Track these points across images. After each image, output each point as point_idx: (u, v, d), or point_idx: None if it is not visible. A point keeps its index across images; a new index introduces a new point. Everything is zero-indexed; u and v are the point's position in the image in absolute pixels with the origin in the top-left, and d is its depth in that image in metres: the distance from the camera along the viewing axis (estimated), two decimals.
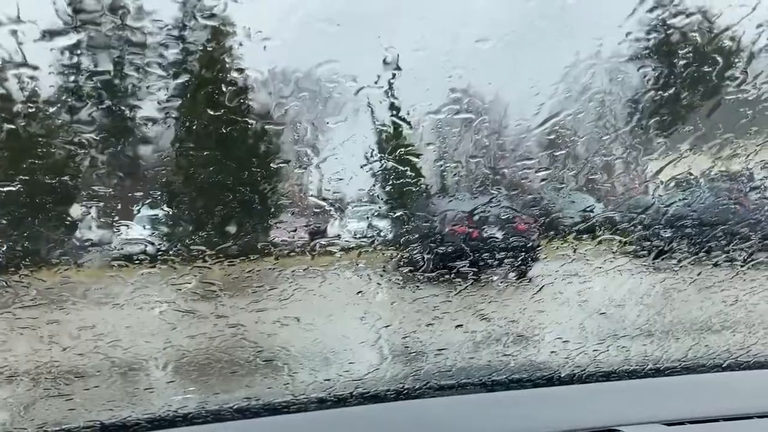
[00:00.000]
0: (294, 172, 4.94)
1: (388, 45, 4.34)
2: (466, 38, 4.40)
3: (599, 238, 4.75)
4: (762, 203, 4.79)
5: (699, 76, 4.82)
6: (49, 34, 4.11)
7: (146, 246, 4.72)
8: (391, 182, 4.80)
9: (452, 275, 4.59)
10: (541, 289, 4.44)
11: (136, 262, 4.59)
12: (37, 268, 4.35)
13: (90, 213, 4.85)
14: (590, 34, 4.41)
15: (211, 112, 4.64)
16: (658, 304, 4.38)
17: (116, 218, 4.92)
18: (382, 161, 4.76)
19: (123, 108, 4.74)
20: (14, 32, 3.88)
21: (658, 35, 4.73)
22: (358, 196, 5.09)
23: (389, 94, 4.47)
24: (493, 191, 4.93)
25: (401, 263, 4.80)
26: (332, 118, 4.75)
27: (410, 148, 4.78)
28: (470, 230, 5.05)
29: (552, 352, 4.08)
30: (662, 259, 4.64)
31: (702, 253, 4.64)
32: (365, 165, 4.76)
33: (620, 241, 4.68)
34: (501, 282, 4.59)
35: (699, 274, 4.47)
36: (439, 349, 4.10)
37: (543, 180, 4.93)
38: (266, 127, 4.88)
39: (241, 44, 4.55)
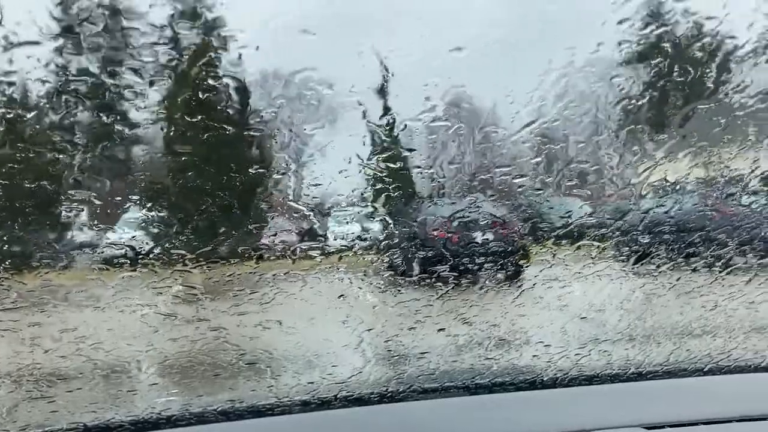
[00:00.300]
0: (274, 176, 4.95)
1: (373, 51, 4.38)
2: (450, 45, 4.44)
3: (578, 244, 4.79)
4: (738, 210, 4.84)
5: (674, 84, 4.87)
6: (32, 37, 4.11)
7: (127, 250, 4.73)
8: (371, 187, 4.82)
9: (434, 279, 4.63)
10: (521, 293, 4.48)
11: (118, 265, 4.60)
12: (18, 271, 4.36)
13: (71, 216, 4.84)
14: (569, 41, 4.45)
15: (189, 118, 4.65)
16: (639, 308, 4.42)
17: (98, 222, 4.92)
18: (361, 166, 4.78)
19: (103, 112, 4.74)
20: None
21: (636, 44, 4.77)
22: (339, 200, 5.11)
23: (379, 98, 4.51)
24: (472, 196, 4.96)
25: (383, 267, 4.82)
26: (311, 124, 4.77)
27: (390, 153, 4.80)
28: (451, 235, 5.08)
29: (534, 355, 4.11)
30: (641, 265, 4.69)
31: (680, 258, 4.69)
32: (343, 171, 4.78)
33: (599, 247, 4.72)
34: (482, 286, 4.62)
35: (678, 280, 4.52)
36: (421, 353, 4.12)
37: (521, 186, 4.97)
38: (246, 132, 4.89)
39: (223, 49, 4.57)
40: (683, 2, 4.67)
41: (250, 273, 4.61)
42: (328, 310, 4.53)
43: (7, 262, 4.31)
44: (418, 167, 5.12)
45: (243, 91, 4.66)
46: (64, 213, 4.77)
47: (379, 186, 4.80)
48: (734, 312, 4.25)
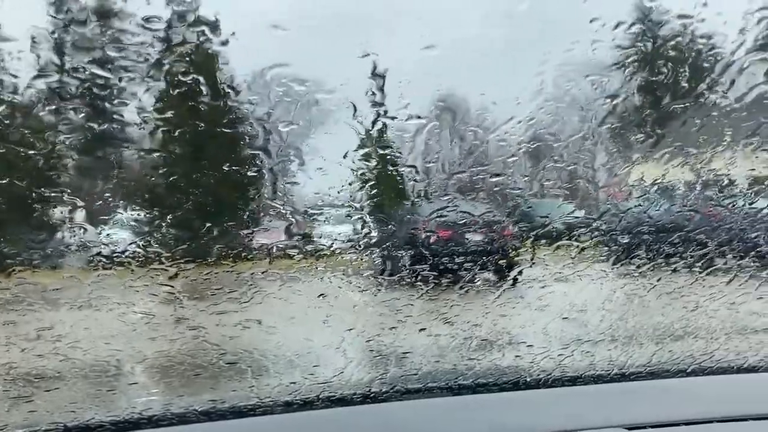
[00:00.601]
0: (257, 177, 4.93)
1: (359, 50, 4.38)
2: (439, 45, 4.44)
3: (557, 244, 4.81)
4: (716, 211, 4.88)
5: (653, 86, 4.90)
6: (20, 36, 4.10)
7: (103, 249, 4.70)
8: (355, 187, 4.82)
9: (415, 279, 4.64)
10: (502, 293, 4.49)
11: (94, 264, 4.57)
12: None
13: (47, 215, 4.81)
14: (557, 43, 4.47)
15: (170, 117, 4.64)
16: (620, 309, 4.44)
17: (74, 221, 4.89)
18: (346, 166, 4.78)
19: (80, 110, 4.72)
20: None
21: (620, 47, 4.80)
22: (323, 200, 5.10)
23: (363, 98, 4.50)
24: (450, 196, 4.97)
25: (364, 267, 4.83)
26: (295, 124, 4.76)
27: (372, 152, 4.80)
28: (430, 235, 5.09)
29: (517, 356, 4.12)
30: (621, 265, 4.71)
31: (660, 259, 4.72)
32: (326, 170, 4.78)
33: (578, 247, 4.74)
34: (462, 286, 4.62)
35: (659, 280, 4.54)
36: (403, 353, 4.12)
37: (497, 186, 4.98)
38: (228, 131, 4.86)
39: (206, 49, 4.56)
40: (667, 5, 4.71)
41: (227, 272, 4.61)
42: (307, 310, 4.53)
43: None
44: (401, 167, 5.13)
45: (226, 90, 4.64)
46: (38, 212, 4.74)
47: (363, 186, 4.80)
48: (715, 313, 4.27)
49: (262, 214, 5.20)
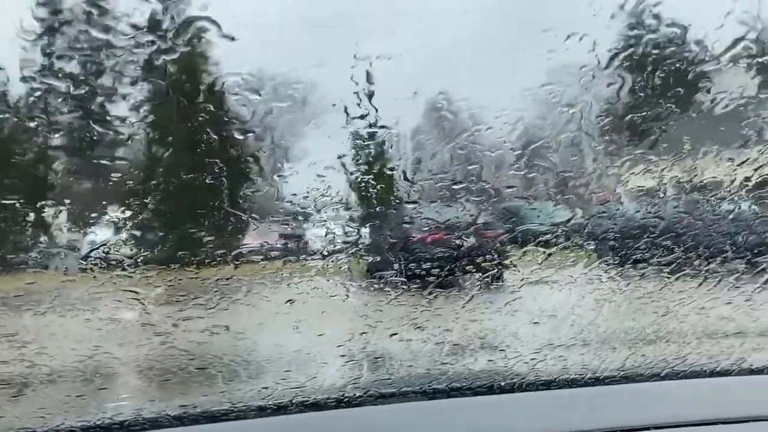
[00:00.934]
0: (248, 180, 4.93)
1: (354, 54, 4.39)
2: (433, 47, 4.47)
3: (524, 249, 4.84)
4: (681, 217, 4.93)
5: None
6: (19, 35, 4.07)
7: (67, 254, 4.67)
8: (343, 192, 4.84)
9: (384, 285, 4.65)
10: (471, 298, 4.51)
11: (57, 270, 4.55)
12: None
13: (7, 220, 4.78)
14: (548, 46, 4.49)
15: (164, 120, 4.64)
16: (590, 314, 4.47)
17: (37, 225, 4.86)
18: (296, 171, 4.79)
19: (70, 112, 4.70)
20: None
21: (616, 50, 4.84)
22: (313, 204, 5.09)
23: (357, 101, 4.51)
24: (419, 201, 4.98)
25: (331, 273, 4.82)
26: (288, 127, 4.77)
27: (363, 157, 4.82)
28: (401, 240, 5.10)
29: (489, 360, 4.14)
30: (590, 270, 4.75)
31: (629, 264, 4.77)
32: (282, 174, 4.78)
33: (545, 252, 4.77)
34: (432, 292, 4.64)
35: (628, 285, 4.59)
36: (375, 358, 4.13)
37: (458, 193, 5.00)
38: (222, 134, 4.84)
39: (203, 51, 4.55)
40: (662, 10, 4.76)
41: (192, 278, 4.59)
42: (276, 315, 4.52)
43: None
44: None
45: (221, 93, 4.63)
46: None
47: (352, 190, 4.81)
48: (686, 318, 4.32)
49: (231, 219, 5.18)
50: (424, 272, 4.90)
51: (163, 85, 4.52)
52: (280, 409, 3.55)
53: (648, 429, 3.23)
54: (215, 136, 4.72)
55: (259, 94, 4.55)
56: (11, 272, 4.69)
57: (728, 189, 4.75)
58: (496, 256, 5.03)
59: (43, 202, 4.83)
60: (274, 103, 4.79)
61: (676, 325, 4.32)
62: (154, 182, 4.86)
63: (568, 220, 4.86)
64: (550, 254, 4.76)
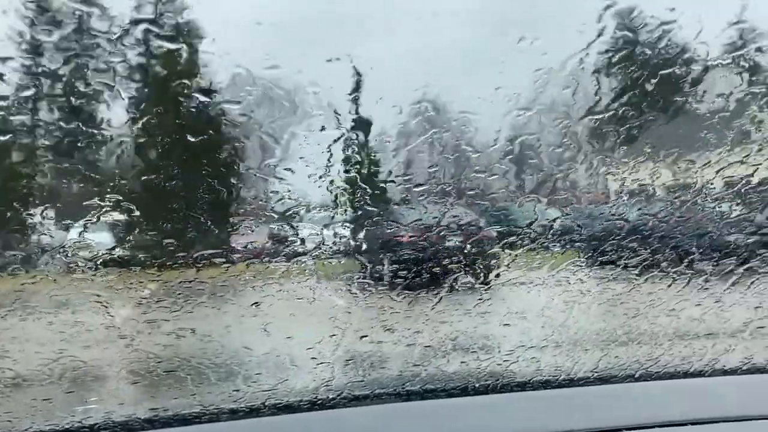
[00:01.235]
0: (237, 182, 4.90)
1: (345, 55, 4.39)
2: (424, 49, 4.47)
3: (492, 251, 4.86)
4: (646, 219, 4.97)
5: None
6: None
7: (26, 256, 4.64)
8: (328, 193, 4.83)
9: (353, 286, 4.65)
10: (440, 300, 4.51)
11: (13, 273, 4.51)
12: None
13: None
14: (541, 48, 4.50)
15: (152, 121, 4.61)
16: (560, 316, 4.49)
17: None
18: (326, 172, 4.78)
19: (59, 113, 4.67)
20: None
21: (607, 53, 4.87)
22: (300, 206, 5.07)
23: (348, 103, 4.51)
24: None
25: (295, 275, 4.81)
26: (278, 128, 4.75)
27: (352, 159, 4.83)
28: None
29: (462, 362, 4.15)
30: (558, 272, 4.77)
31: (597, 266, 4.80)
32: (312, 176, 4.77)
33: (510, 254, 4.79)
34: (401, 293, 4.64)
35: (596, 286, 4.62)
36: (347, 360, 4.12)
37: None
38: (211, 135, 4.81)
39: (192, 52, 4.52)
40: (655, 13, 4.80)
41: (155, 281, 4.57)
42: (242, 318, 4.51)
43: None
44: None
45: (209, 93, 4.60)
46: None
47: (339, 192, 4.81)
48: (656, 319, 4.36)
49: (192, 222, 5.15)
50: (393, 274, 4.92)
51: (146, 87, 4.52)
52: (253, 412, 3.54)
53: (622, 430, 3.25)
54: (193, 139, 4.71)
55: (244, 97, 4.55)
56: None
57: (694, 191, 4.80)
58: (463, 258, 5.04)
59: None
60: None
61: (647, 327, 4.36)
62: (114, 184, 4.83)
63: (530, 224, 4.90)
64: (517, 256, 4.80)
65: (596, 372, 3.84)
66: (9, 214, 4.87)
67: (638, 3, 4.86)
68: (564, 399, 3.72)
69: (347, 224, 5.10)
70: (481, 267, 4.98)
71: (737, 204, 4.90)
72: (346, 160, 4.91)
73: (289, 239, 4.91)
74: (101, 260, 4.47)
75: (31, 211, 4.91)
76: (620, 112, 4.78)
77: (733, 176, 4.70)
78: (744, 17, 4.66)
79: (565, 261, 4.80)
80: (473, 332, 4.42)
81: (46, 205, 4.99)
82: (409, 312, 4.50)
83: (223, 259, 4.80)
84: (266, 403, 3.54)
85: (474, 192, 5.02)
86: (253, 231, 5.17)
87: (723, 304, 4.35)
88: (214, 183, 4.86)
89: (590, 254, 4.90)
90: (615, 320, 4.47)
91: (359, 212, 5.00)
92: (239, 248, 5.18)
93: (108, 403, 3.84)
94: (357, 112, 4.63)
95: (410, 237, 5.15)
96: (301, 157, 4.71)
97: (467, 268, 4.98)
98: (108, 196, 4.63)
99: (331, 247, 5.02)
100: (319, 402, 3.59)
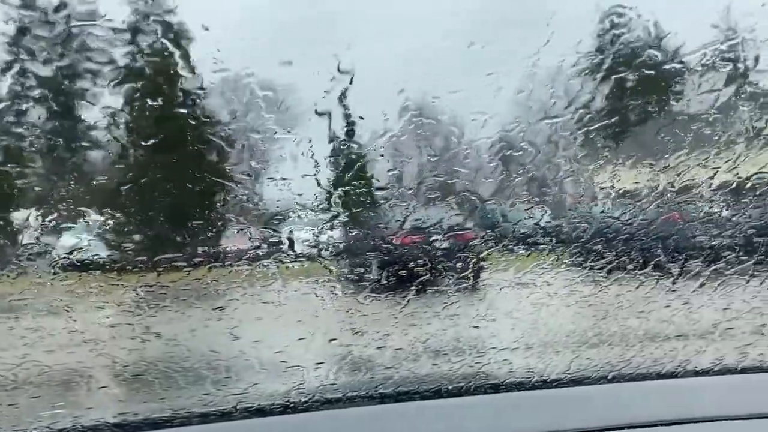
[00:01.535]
0: (223, 184, 4.87)
1: (334, 57, 4.37)
2: (414, 51, 4.47)
3: (458, 254, 4.87)
4: (609, 222, 5.00)
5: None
6: None
7: None
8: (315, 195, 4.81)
9: (317, 290, 4.64)
10: (408, 302, 4.51)
11: None
12: None
13: None
14: (530, 50, 4.52)
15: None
16: (529, 318, 4.51)
17: None
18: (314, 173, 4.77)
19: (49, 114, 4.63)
20: None
21: (588, 54, 4.89)
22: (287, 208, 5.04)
23: (338, 105, 4.50)
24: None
25: (258, 279, 4.78)
26: (267, 130, 4.72)
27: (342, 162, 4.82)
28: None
29: (434, 364, 4.15)
30: (523, 274, 4.78)
31: (563, 268, 4.83)
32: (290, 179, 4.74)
33: (478, 257, 4.81)
34: (368, 296, 4.63)
35: (565, 287, 4.64)
36: (317, 363, 4.10)
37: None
38: (200, 137, 4.77)
39: (182, 53, 4.48)
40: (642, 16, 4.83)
41: (112, 284, 4.53)
42: (207, 322, 4.47)
43: None
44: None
45: (198, 95, 4.56)
46: None
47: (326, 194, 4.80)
48: (626, 321, 4.40)
49: (148, 225, 5.11)
50: (358, 277, 4.91)
51: (134, 87, 4.49)
52: (224, 416, 3.52)
53: None
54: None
55: (229, 99, 4.53)
56: None
57: (658, 193, 4.84)
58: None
59: None
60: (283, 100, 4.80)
61: (617, 329, 4.39)
62: (68, 187, 4.79)
63: (494, 226, 4.92)
64: (483, 258, 4.81)
65: (569, 374, 3.85)
66: None
67: (629, 6, 4.91)
68: (538, 400, 3.73)
69: (318, 227, 5.09)
70: (449, 269, 4.98)
71: (701, 206, 4.95)
72: (333, 164, 4.90)
73: (254, 243, 4.90)
74: (62, 263, 4.44)
75: None
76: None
77: (694, 179, 4.75)
78: (722, 21, 4.72)
79: (530, 263, 4.83)
80: (443, 335, 4.43)
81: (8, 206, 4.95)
82: (379, 315, 4.51)
83: (185, 263, 4.76)
84: (238, 407, 3.53)
85: (437, 195, 5.03)
86: (222, 234, 5.14)
87: (691, 306, 4.40)
88: (192, 187, 4.84)
89: (557, 256, 4.92)
90: (584, 322, 4.50)
91: (330, 215, 5.00)
92: (201, 252, 5.15)
93: (75, 408, 3.79)
94: (343, 114, 4.62)
95: (379, 240, 5.14)
96: (280, 160, 4.72)
97: (435, 271, 4.99)
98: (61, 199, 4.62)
99: (299, 251, 5.00)
100: (291, 405, 3.58)
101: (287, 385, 3.81)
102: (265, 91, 4.54)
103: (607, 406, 3.65)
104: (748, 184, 4.67)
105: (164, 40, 4.45)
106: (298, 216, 5.02)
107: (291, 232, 5.00)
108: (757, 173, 4.64)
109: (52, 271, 4.36)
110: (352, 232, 5.16)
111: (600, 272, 4.68)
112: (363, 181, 4.93)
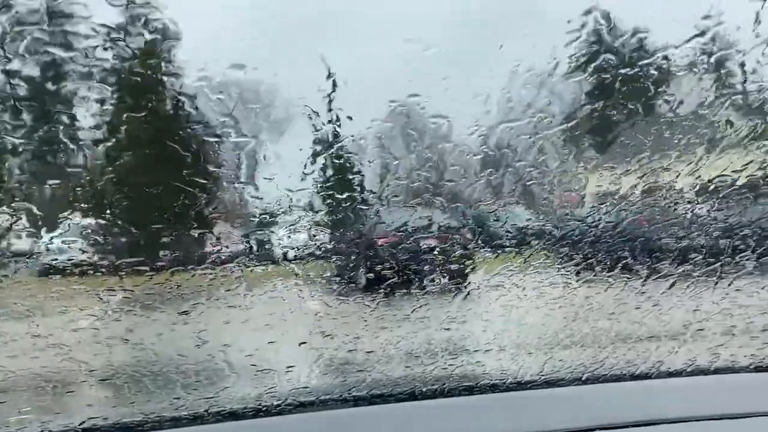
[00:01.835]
0: (207, 185, 4.82)
1: (320, 56, 4.35)
2: (399, 50, 4.45)
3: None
4: (575, 224, 5.02)
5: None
6: None
7: None
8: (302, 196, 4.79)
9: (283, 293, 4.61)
10: (378, 305, 4.50)
11: None
12: None
13: None
14: (517, 52, 4.52)
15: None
16: (500, 320, 4.52)
17: None
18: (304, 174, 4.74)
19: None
20: None
21: (581, 58, 4.90)
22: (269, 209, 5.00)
23: (324, 104, 4.47)
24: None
25: (221, 284, 4.75)
26: (252, 131, 4.69)
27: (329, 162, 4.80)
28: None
29: (407, 366, 4.14)
30: (492, 276, 4.79)
31: (530, 271, 4.83)
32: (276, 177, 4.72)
33: (445, 259, 4.82)
34: (339, 299, 4.62)
35: (534, 289, 4.65)
36: (288, 366, 4.08)
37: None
38: (185, 139, 4.72)
39: (166, 54, 4.44)
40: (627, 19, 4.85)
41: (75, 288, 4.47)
42: (174, 326, 4.42)
43: None
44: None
45: (183, 96, 4.52)
46: None
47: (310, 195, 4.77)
48: (596, 322, 4.41)
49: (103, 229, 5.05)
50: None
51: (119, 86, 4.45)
52: (196, 419, 3.49)
53: None
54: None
55: (222, 98, 4.50)
56: None
57: (622, 196, 4.87)
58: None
59: None
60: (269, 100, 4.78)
61: (588, 330, 4.40)
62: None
63: (458, 229, 4.93)
64: (451, 261, 4.82)
65: (543, 375, 3.86)
66: None
67: (615, 9, 4.93)
68: (512, 402, 3.74)
69: (283, 230, 5.06)
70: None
71: (667, 209, 4.98)
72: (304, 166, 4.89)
73: (218, 247, 4.86)
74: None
75: None
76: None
77: (657, 182, 4.79)
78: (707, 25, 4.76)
79: (498, 265, 4.83)
80: (414, 337, 4.42)
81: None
82: (348, 318, 4.50)
83: (147, 267, 4.71)
84: (210, 411, 3.50)
85: (396, 199, 5.03)
86: (185, 238, 5.10)
87: (661, 308, 4.43)
88: (156, 189, 4.80)
89: (524, 259, 4.93)
90: (555, 324, 4.49)
91: (293, 218, 4.98)
92: (162, 256, 5.10)
93: (43, 413, 3.74)
94: (329, 115, 4.61)
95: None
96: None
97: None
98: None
99: (265, 254, 4.98)
100: (264, 409, 3.56)
101: (258, 388, 3.79)
102: (250, 92, 4.54)
103: (581, 407, 3.66)
104: (711, 187, 4.71)
105: (149, 42, 4.43)
106: (263, 219, 5.01)
107: (256, 235, 4.98)
108: (719, 176, 4.68)
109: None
110: (317, 235, 5.13)
111: (568, 274, 4.70)
112: (327, 185, 4.92)
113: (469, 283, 4.76)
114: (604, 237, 4.89)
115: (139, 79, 4.49)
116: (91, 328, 4.21)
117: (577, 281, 4.64)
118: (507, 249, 4.98)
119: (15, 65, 4.32)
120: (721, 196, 4.68)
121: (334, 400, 3.68)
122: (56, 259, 4.66)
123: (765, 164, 4.71)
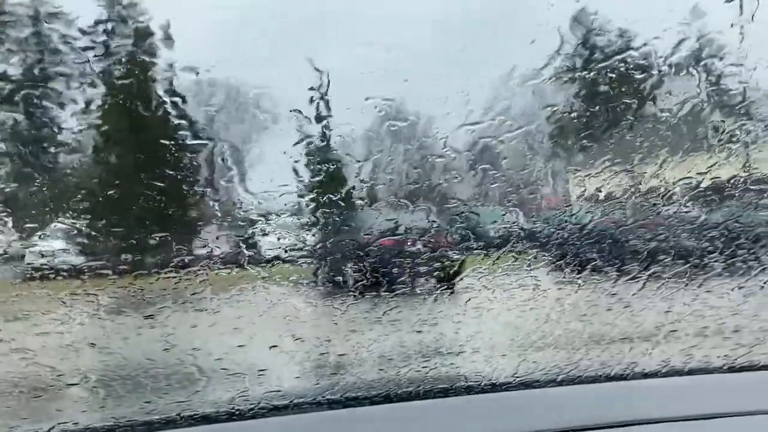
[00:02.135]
0: (195, 186, 4.78)
1: (308, 58, 4.33)
2: (389, 51, 4.44)
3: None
4: (543, 226, 5.04)
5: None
6: None
7: None
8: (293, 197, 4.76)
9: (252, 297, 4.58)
10: (348, 308, 4.48)
11: None
12: None
13: None
14: (506, 54, 4.53)
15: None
16: (471, 322, 4.51)
17: None
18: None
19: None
20: None
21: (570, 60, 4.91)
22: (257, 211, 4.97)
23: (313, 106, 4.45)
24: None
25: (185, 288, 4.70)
26: (241, 132, 4.66)
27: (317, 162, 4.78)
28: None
29: (381, 369, 4.12)
30: (462, 279, 4.79)
31: (499, 272, 4.84)
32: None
33: (415, 261, 4.82)
34: (310, 302, 4.60)
35: (504, 292, 4.65)
36: (260, 370, 4.04)
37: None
38: (173, 140, 4.67)
39: (153, 56, 4.40)
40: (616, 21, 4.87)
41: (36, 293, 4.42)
42: (140, 330, 4.38)
43: None
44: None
45: (172, 97, 4.47)
46: None
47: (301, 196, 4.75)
48: (568, 324, 4.42)
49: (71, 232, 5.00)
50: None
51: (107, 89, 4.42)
52: (169, 424, 3.45)
53: None
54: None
55: (210, 100, 4.47)
56: None
57: (588, 198, 4.89)
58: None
59: None
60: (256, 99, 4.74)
61: (560, 332, 4.41)
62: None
63: (426, 231, 4.92)
64: (420, 263, 4.81)
65: (518, 377, 3.86)
66: None
67: (602, 12, 4.95)
68: (487, 404, 3.73)
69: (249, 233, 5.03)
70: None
71: (634, 211, 5.01)
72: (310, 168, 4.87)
73: (184, 251, 4.82)
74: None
75: None
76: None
77: (621, 184, 4.82)
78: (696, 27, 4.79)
79: (467, 267, 4.83)
80: (386, 339, 4.41)
81: None
82: (320, 320, 4.48)
83: (110, 272, 4.67)
84: (182, 415, 3.46)
85: (366, 201, 5.02)
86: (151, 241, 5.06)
87: (633, 309, 4.45)
88: (158, 193, 4.76)
89: (492, 261, 4.93)
90: (527, 325, 4.50)
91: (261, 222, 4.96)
92: (123, 259, 5.05)
93: (9, 418, 3.68)
94: (317, 115, 4.59)
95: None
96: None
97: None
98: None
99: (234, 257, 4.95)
100: (237, 413, 3.52)
101: (230, 392, 3.76)
102: (238, 92, 4.52)
103: (556, 408, 3.65)
104: (676, 189, 4.74)
105: (136, 45, 4.41)
106: (229, 222, 4.97)
107: (223, 238, 4.95)
108: (683, 178, 4.71)
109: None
110: (285, 239, 5.11)
111: (538, 276, 4.71)
112: (298, 187, 4.91)
113: (440, 285, 4.76)
114: (572, 239, 4.91)
115: (112, 81, 4.48)
116: (56, 333, 4.16)
117: (547, 283, 4.66)
118: (475, 251, 4.99)
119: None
120: (687, 198, 4.72)
121: (308, 403, 3.65)
122: (19, 264, 4.62)
123: (729, 165, 4.76)
